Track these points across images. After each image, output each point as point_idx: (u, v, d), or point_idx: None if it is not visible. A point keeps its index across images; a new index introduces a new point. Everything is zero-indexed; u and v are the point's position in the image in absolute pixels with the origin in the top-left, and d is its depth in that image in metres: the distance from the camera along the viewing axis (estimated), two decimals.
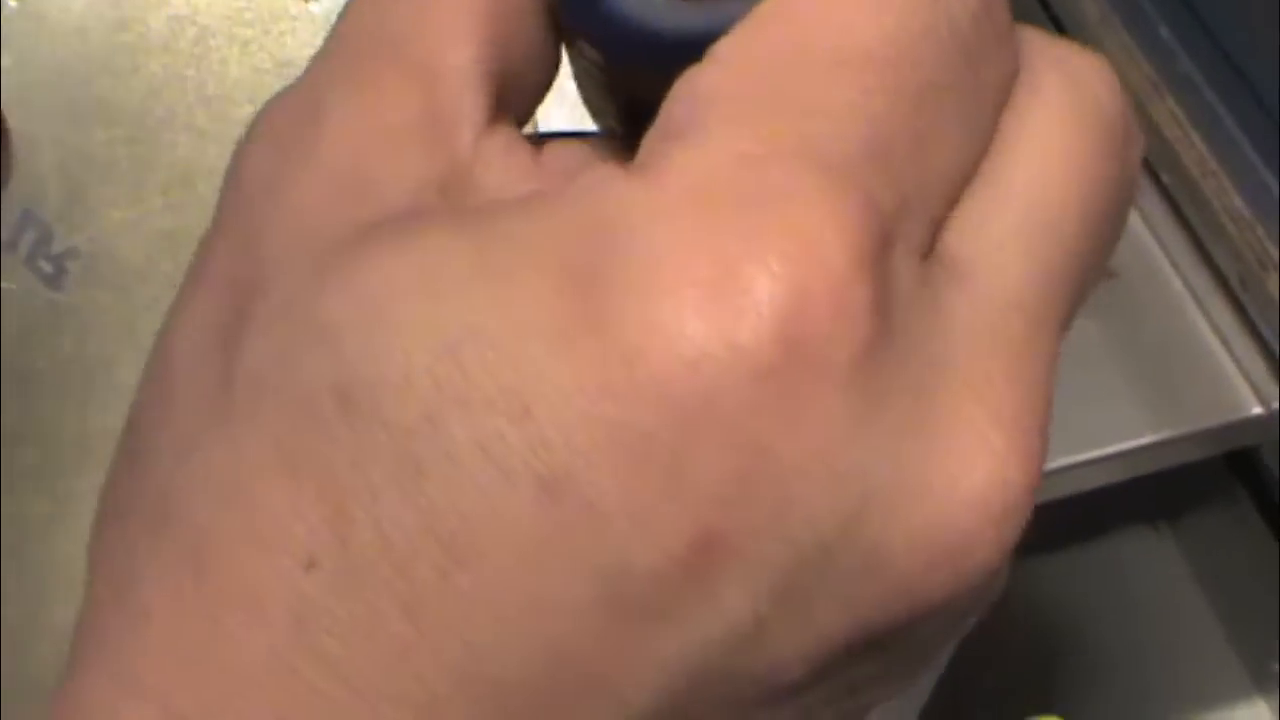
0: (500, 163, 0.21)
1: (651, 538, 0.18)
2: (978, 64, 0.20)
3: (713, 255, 0.18)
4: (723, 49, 0.19)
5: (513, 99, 0.22)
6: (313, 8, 0.45)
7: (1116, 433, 0.46)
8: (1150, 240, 0.50)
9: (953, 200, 0.20)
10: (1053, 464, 0.45)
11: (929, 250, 0.20)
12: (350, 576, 0.18)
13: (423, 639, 0.18)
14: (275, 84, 0.46)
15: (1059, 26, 0.53)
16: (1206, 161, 0.46)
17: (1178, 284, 0.49)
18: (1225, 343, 0.47)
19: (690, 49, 0.20)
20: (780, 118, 0.19)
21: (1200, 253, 0.48)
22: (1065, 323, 0.21)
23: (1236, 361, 0.47)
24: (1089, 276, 0.21)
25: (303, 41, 0.45)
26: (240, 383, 0.19)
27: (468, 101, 0.21)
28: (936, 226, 0.20)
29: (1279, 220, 0.45)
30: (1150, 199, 0.50)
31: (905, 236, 0.19)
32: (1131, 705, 0.55)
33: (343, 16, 0.22)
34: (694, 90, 0.19)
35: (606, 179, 0.19)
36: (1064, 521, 0.55)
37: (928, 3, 0.20)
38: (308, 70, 0.22)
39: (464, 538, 0.18)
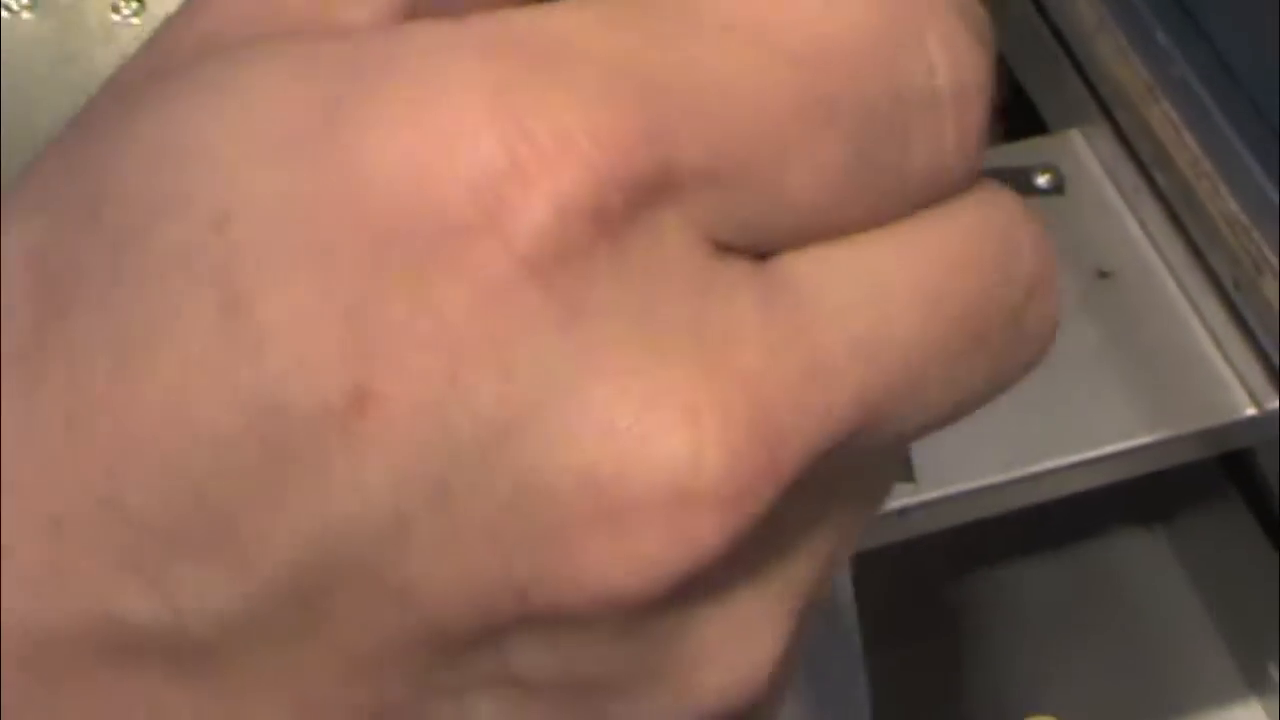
0: (360, 15, 0.20)
1: (311, 377, 0.17)
2: (910, 123, 0.19)
3: (464, 98, 0.17)
4: None
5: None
6: None
7: (1111, 434, 0.46)
8: (1145, 242, 0.50)
9: (807, 230, 0.19)
10: (1047, 465, 0.45)
11: (750, 251, 0.18)
12: (31, 380, 0.17)
13: (71, 453, 0.17)
14: None
15: (1055, 31, 0.53)
16: (1201, 164, 0.47)
17: (1172, 286, 0.49)
18: (1219, 345, 0.47)
19: None
20: (637, 33, 0.18)
21: (1195, 255, 0.48)
22: (856, 405, 0.18)
23: (1231, 363, 0.47)
24: (909, 402, 0.19)
25: None
26: (30, 183, 0.19)
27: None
28: (767, 239, 0.18)
29: (1276, 224, 0.45)
30: (1145, 201, 0.50)
31: (706, 213, 0.18)
32: (1126, 707, 0.55)
33: None
34: None
35: (425, 24, 0.18)
36: (1058, 522, 0.55)
37: (885, 48, 0.19)
38: None
39: (140, 347, 0.17)
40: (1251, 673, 0.54)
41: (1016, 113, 0.58)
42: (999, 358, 0.20)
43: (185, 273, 0.17)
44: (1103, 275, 0.50)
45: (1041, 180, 0.52)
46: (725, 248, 0.18)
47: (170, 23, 0.21)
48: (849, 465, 0.19)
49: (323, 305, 0.17)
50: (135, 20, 0.48)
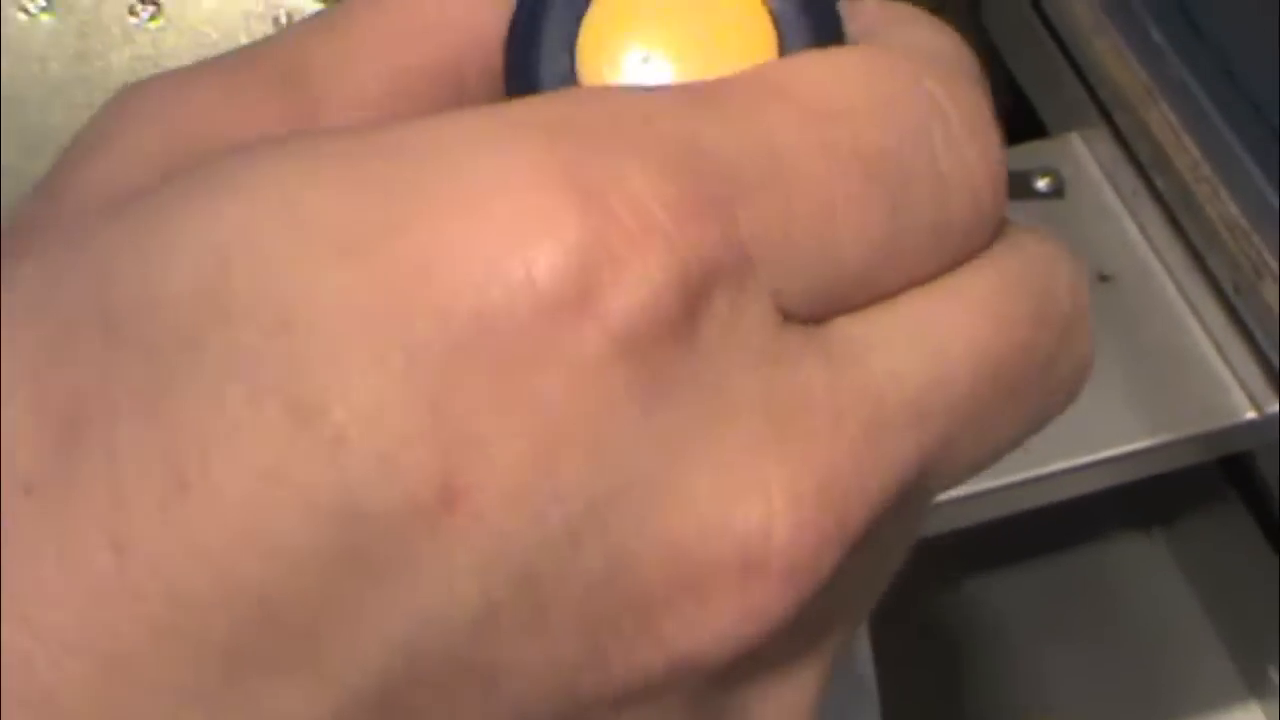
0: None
1: (396, 477, 0.16)
2: (948, 180, 0.19)
3: (538, 179, 0.17)
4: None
5: None
6: None
7: (1111, 437, 0.46)
8: (1144, 246, 0.50)
9: (861, 290, 0.19)
10: (1047, 468, 0.45)
11: (807, 318, 0.19)
12: (63, 505, 0.16)
13: (124, 581, 0.16)
14: None
15: (1054, 34, 0.53)
16: (1200, 167, 0.46)
17: (1172, 289, 0.49)
18: (1219, 348, 0.47)
19: None
20: (690, 112, 0.18)
21: (1195, 258, 0.48)
22: (920, 464, 0.19)
23: (1230, 367, 0.47)
24: (957, 454, 0.20)
25: None
26: (6, 309, 0.17)
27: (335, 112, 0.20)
28: (823, 304, 0.19)
29: (1276, 227, 0.45)
30: (1145, 204, 0.50)
31: (771, 282, 0.18)
32: (1125, 709, 0.55)
33: (269, 40, 0.21)
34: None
35: (457, 113, 0.18)
36: (1057, 526, 0.55)
37: (917, 94, 0.19)
38: (204, 66, 0.21)
39: (196, 463, 0.16)
40: (1251, 676, 0.54)
41: (1016, 116, 0.58)
42: (1035, 403, 0.21)
43: (246, 380, 0.16)
44: (1102, 279, 0.50)
45: (1041, 184, 0.52)
46: (788, 315, 0.18)
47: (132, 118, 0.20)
48: (896, 518, 0.20)
49: (405, 401, 0.16)
50: (152, 23, 0.48)
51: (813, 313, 0.19)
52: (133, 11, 0.47)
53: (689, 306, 0.17)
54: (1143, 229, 0.51)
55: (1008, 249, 0.20)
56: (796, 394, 0.18)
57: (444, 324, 0.16)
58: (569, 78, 0.20)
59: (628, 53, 0.20)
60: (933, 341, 0.19)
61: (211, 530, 0.16)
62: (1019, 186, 0.51)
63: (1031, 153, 0.53)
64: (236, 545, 0.16)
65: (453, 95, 0.21)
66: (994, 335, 0.20)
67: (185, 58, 0.45)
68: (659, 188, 0.17)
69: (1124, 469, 0.47)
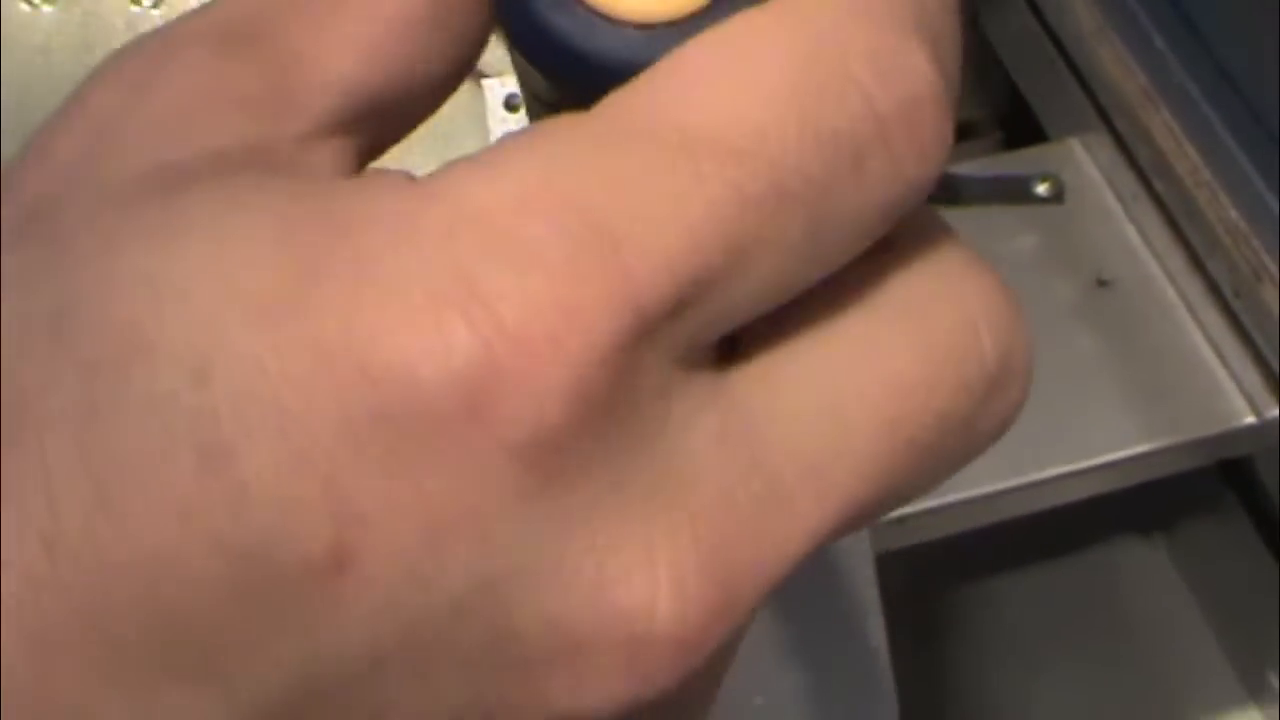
0: (321, 158, 0.20)
1: (292, 534, 0.17)
2: (861, 158, 0.18)
3: (436, 284, 0.17)
4: (601, 103, 0.19)
5: (371, 127, 0.21)
6: None
7: (1110, 442, 0.46)
8: (1144, 250, 0.50)
9: (778, 299, 0.19)
10: (1046, 473, 0.45)
11: (707, 358, 0.19)
12: (5, 493, 0.18)
13: (54, 573, 0.17)
14: None
15: (1055, 39, 0.53)
16: (1200, 172, 0.47)
17: (1172, 293, 0.49)
18: (1219, 352, 0.47)
19: (623, 77, 0.20)
20: (584, 176, 0.18)
21: (1194, 263, 0.48)
22: (818, 533, 0.19)
23: (1230, 371, 0.47)
24: (865, 505, 0.19)
25: None
26: None
27: (318, 103, 0.20)
28: (728, 338, 0.19)
29: (1275, 231, 0.45)
30: (1144, 209, 0.50)
31: (671, 339, 0.18)
32: (1125, 714, 0.55)
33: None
34: (534, 131, 0.19)
35: (391, 184, 0.18)
36: (1057, 530, 0.55)
37: (810, 99, 0.18)
38: (179, 21, 0.21)
39: (115, 487, 0.17)
40: (1251, 680, 0.54)
41: (1016, 121, 0.58)
42: (948, 460, 0.20)
43: (164, 421, 0.17)
44: (1102, 283, 0.50)
45: (1041, 189, 0.52)
46: (690, 356, 0.18)
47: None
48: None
49: (302, 468, 0.17)
50: (155, 11, 0.48)
51: (720, 334, 0.19)
52: (135, 0, 0.47)
53: (578, 411, 0.18)
54: (1142, 233, 0.51)
55: (932, 290, 0.20)
56: (688, 467, 0.18)
57: (337, 407, 0.17)
58: None
59: None
60: (838, 413, 0.19)
61: (126, 550, 0.17)
62: (1019, 192, 0.51)
63: (1031, 158, 0.54)
64: (149, 567, 0.17)
65: (438, 33, 0.21)
66: (906, 405, 0.19)
67: None
68: (552, 286, 0.17)
69: (1123, 474, 0.47)
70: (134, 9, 0.48)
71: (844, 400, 0.19)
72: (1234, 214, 0.45)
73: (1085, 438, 0.46)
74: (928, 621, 0.56)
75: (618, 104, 0.19)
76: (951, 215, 0.22)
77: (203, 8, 0.21)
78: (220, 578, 0.17)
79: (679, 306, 0.18)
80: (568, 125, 0.19)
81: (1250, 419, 0.46)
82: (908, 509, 0.45)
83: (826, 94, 0.19)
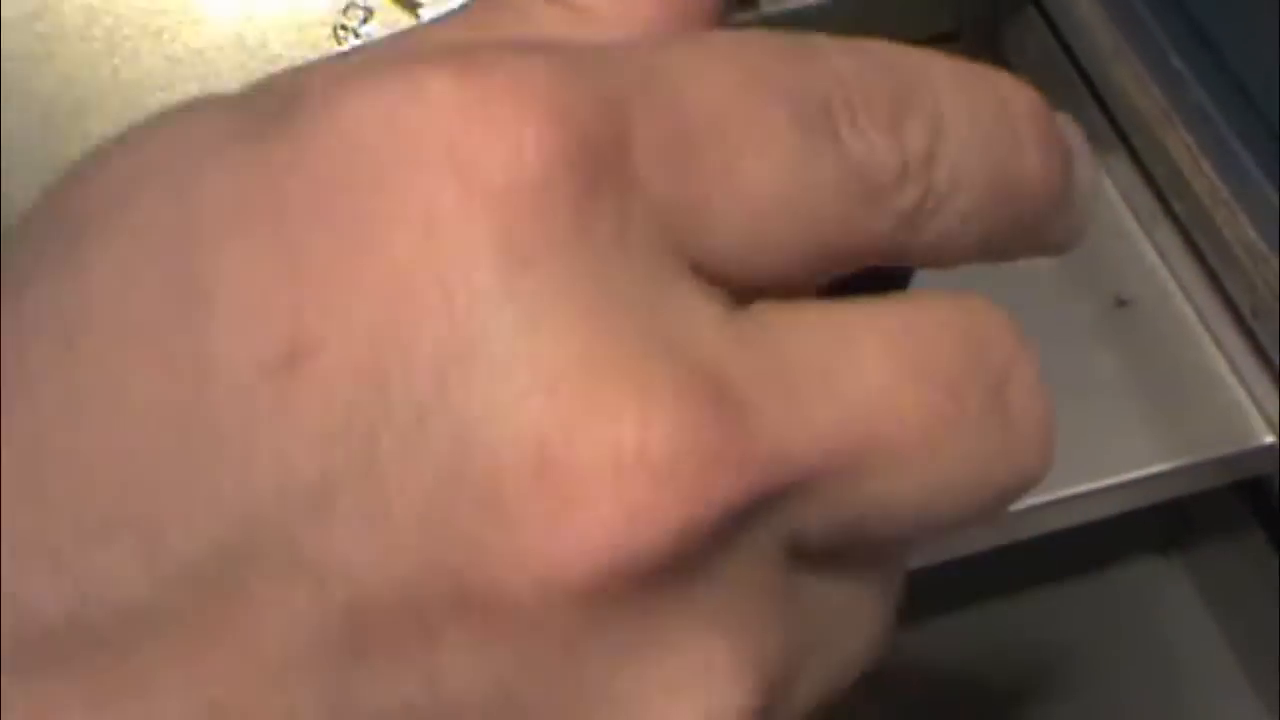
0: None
1: (246, 334, 0.17)
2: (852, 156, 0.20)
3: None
4: None
5: None
6: None
7: (1127, 461, 0.46)
8: (1162, 269, 0.50)
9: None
10: (1063, 492, 0.45)
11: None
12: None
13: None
14: (188, 73, 0.46)
15: (1072, 58, 0.53)
16: (1218, 191, 0.46)
17: (1190, 313, 0.49)
18: (1237, 371, 0.47)
19: None
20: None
21: (1212, 282, 0.48)
22: (836, 446, 0.19)
23: (1248, 390, 0.47)
24: (888, 470, 0.20)
25: (215, 31, 0.45)
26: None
27: None
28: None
29: None
30: (1162, 228, 0.50)
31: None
32: None
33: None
34: None
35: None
36: (1074, 550, 0.55)
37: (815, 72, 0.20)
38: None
39: (81, 316, 0.17)
40: (1271, 702, 0.54)
41: None
42: (985, 447, 0.20)
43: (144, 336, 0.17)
44: (1120, 303, 0.50)
45: None
46: (710, 272, 0.19)
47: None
48: (838, 537, 0.19)
49: (268, 260, 0.16)
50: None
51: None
52: None
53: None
54: (1160, 252, 0.50)
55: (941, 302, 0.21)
56: (695, 339, 0.18)
57: (314, 186, 0.17)
58: None
59: None
60: (847, 337, 0.20)
61: (71, 388, 0.17)
62: None
63: None
64: (93, 401, 0.16)
65: None
66: (921, 346, 0.20)
67: (133, 4, 0.45)
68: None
69: (1141, 493, 0.47)
70: None
71: (855, 334, 0.20)
72: (1252, 234, 0.45)
73: (1102, 457, 0.46)
74: (941, 642, 0.56)
75: None
76: None
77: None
78: (165, 405, 0.16)
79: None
80: None
81: (1269, 439, 0.46)
82: None
83: (800, 93, 0.19)
